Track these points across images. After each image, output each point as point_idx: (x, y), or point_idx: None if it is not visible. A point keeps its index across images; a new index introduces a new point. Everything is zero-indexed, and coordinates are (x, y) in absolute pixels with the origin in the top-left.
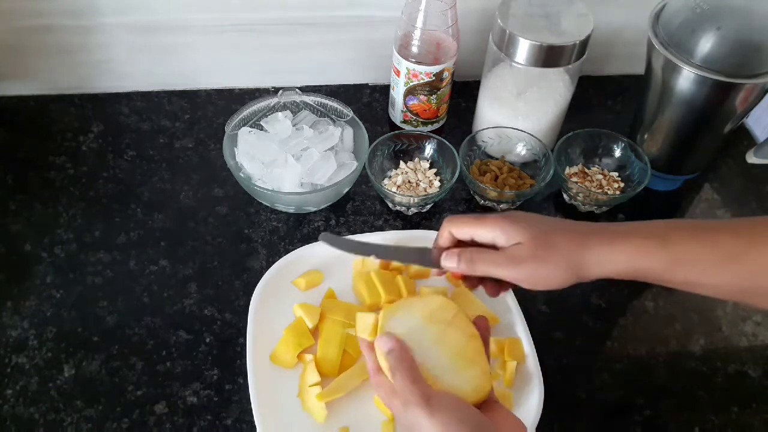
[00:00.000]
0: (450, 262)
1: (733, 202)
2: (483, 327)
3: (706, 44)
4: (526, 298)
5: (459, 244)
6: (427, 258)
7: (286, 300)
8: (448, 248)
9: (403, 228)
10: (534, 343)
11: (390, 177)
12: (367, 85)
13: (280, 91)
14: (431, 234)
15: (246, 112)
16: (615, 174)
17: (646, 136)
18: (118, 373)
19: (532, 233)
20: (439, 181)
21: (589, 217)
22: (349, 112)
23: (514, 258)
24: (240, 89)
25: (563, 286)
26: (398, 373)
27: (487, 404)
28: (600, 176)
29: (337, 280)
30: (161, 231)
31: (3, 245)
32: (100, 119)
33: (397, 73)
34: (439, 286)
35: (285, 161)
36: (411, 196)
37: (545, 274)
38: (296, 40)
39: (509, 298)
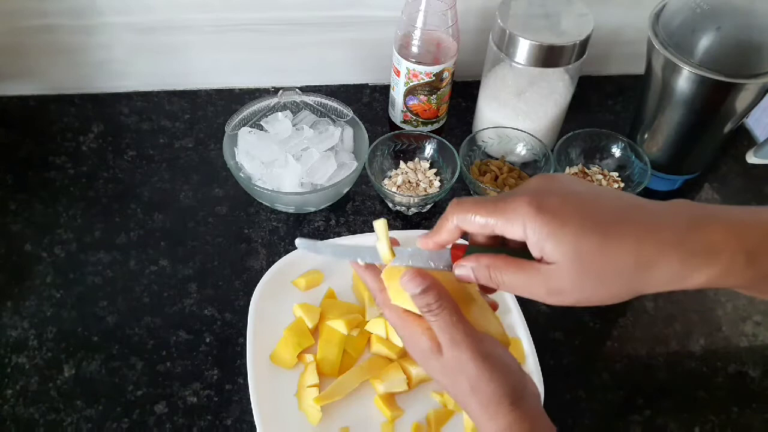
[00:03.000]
0: (463, 271)
1: (733, 202)
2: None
3: (706, 44)
4: (526, 298)
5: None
6: (429, 259)
7: (286, 300)
8: (454, 244)
9: (404, 228)
10: (534, 343)
11: (390, 177)
12: (367, 85)
13: (280, 91)
14: None
15: (246, 112)
16: (615, 174)
17: (646, 136)
18: (118, 373)
19: (576, 251)
20: (439, 181)
21: None
22: (349, 112)
23: (552, 287)
24: (240, 89)
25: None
26: (438, 311)
27: None
28: (600, 176)
29: (337, 280)
30: (161, 231)
31: (3, 245)
32: (100, 119)
33: (397, 73)
34: None
35: (285, 161)
36: (411, 196)
37: (590, 300)
38: (296, 40)
39: (509, 298)
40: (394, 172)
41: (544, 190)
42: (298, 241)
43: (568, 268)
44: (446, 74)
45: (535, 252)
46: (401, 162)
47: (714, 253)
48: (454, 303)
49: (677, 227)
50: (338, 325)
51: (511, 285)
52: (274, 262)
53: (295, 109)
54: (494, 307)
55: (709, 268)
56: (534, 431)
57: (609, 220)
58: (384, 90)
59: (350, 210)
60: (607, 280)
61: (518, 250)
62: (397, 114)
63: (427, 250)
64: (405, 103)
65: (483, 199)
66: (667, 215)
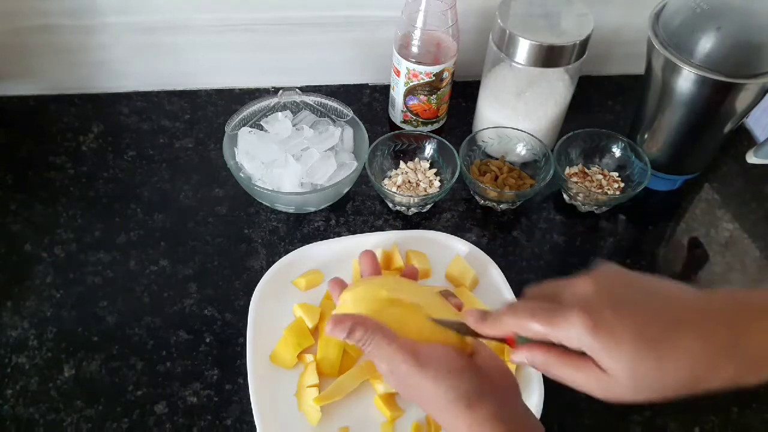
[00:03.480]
0: (519, 359)
1: (733, 202)
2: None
3: (706, 44)
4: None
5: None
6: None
7: (286, 300)
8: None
9: (403, 228)
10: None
11: (390, 177)
12: (367, 85)
13: (280, 91)
14: (431, 234)
15: (246, 112)
16: (615, 174)
17: (646, 136)
18: (118, 373)
19: (632, 369)
20: (439, 181)
21: (589, 216)
22: (349, 112)
23: (608, 390)
24: (240, 89)
25: None
26: (370, 340)
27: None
28: (600, 176)
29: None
30: (161, 231)
31: (3, 245)
32: (100, 119)
33: (397, 73)
34: (438, 285)
35: (285, 161)
36: (411, 196)
37: (645, 401)
38: (296, 40)
39: (509, 298)
40: (394, 172)
41: (595, 301)
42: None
43: (626, 380)
44: (446, 74)
45: (591, 355)
46: (401, 162)
47: (765, 360)
48: (382, 328)
49: (726, 332)
50: None
51: (566, 379)
52: (274, 262)
53: (295, 109)
54: (458, 307)
55: (761, 374)
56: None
57: (662, 336)
58: (384, 90)
59: (350, 210)
60: (662, 389)
61: None
62: (397, 114)
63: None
64: (405, 103)
65: (536, 307)
66: (716, 316)
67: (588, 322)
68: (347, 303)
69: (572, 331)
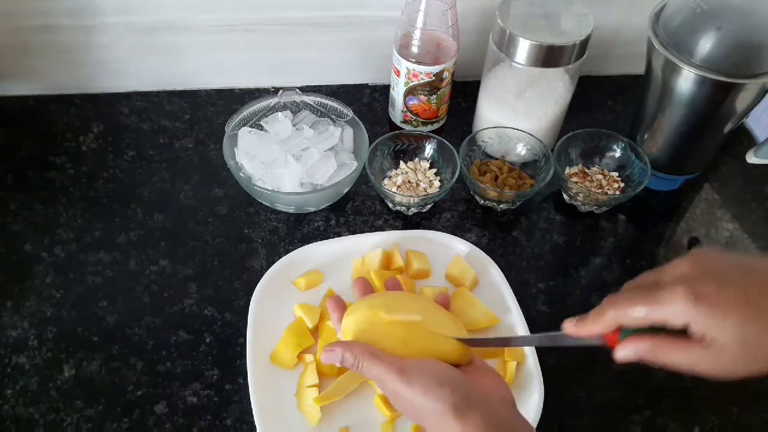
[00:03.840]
0: (626, 353)
1: (733, 202)
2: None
3: (706, 44)
4: (526, 298)
5: None
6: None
7: (286, 300)
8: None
9: (403, 228)
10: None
11: (390, 177)
12: (367, 85)
13: (280, 91)
14: (431, 234)
15: (246, 112)
16: (615, 174)
17: (646, 136)
18: (118, 373)
19: (742, 337)
20: (439, 181)
21: (589, 216)
22: (349, 112)
23: (719, 364)
24: (240, 89)
25: None
26: (362, 363)
27: (467, 365)
28: (600, 176)
29: (337, 280)
30: (161, 231)
31: (3, 245)
32: (100, 119)
33: (397, 73)
34: (438, 285)
35: (285, 161)
36: (411, 196)
37: (756, 372)
38: (296, 40)
39: (509, 298)
40: (394, 172)
41: (694, 276)
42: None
43: (735, 351)
44: (446, 74)
45: (696, 335)
46: (401, 162)
47: None
48: (370, 349)
49: None
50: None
51: (676, 363)
52: (274, 262)
53: (295, 109)
54: (446, 307)
55: None
56: None
57: (766, 301)
58: (384, 90)
59: (350, 210)
60: None
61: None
62: (397, 114)
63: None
64: (405, 103)
65: (636, 291)
66: None
67: (691, 294)
68: (348, 331)
69: (676, 306)
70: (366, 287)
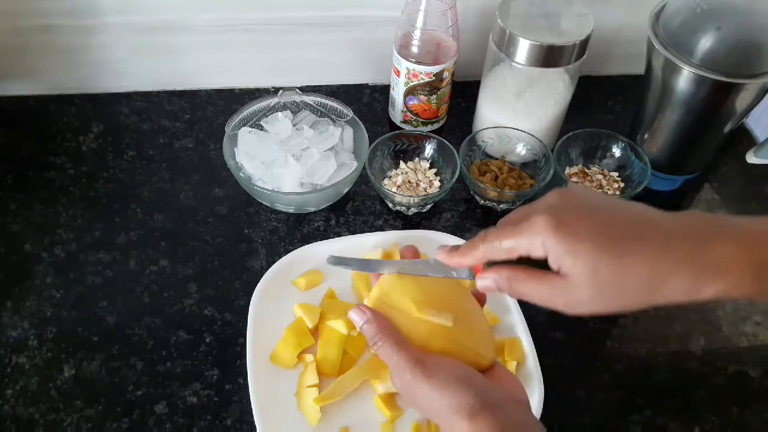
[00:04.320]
0: (486, 283)
1: (733, 202)
2: (479, 296)
3: (706, 44)
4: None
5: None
6: (461, 272)
7: (286, 300)
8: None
9: (403, 228)
10: (534, 343)
11: (390, 177)
12: (367, 85)
13: (280, 91)
14: (431, 234)
15: (246, 112)
16: (615, 174)
17: (646, 136)
18: (118, 373)
19: (593, 267)
20: (439, 181)
21: None
22: (349, 112)
23: (570, 299)
24: (240, 89)
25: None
26: (383, 344)
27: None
28: (600, 176)
29: (337, 280)
30: (161, 231)
31: (3, 245)
32: (100, 119)
33: (397, 73)
34: None
35: (285, 161)
36: (411, 196)
37: (605, 311)
38: (296, 40)
39: (509, 298)
40: (394, 172)
41: (560, 206)
42: (329, 259)
43: (585, 282)
44: (446, 74)
45: (554, 266)
46: (401, 162)
47: (723, 269)
48: (395, 333)
49: (688, 243)
50: (338, 325)
51: (531, 295)
52: (274, 262)
53: (295, 109)
54: (482, 302)
55: (718, 284)
56: None
57: (624, 235)
58: (384, 90)
59: (350, 210)
60: (621, 293)
61: (534, 261)
62: (397, 114)
63: (439, 264)
64: (405, 103)
65: (504, 223)
66: (679, 230)
67: (550, 221)
68: (374, 303)
69: (537, 236)
70: (415, 254)
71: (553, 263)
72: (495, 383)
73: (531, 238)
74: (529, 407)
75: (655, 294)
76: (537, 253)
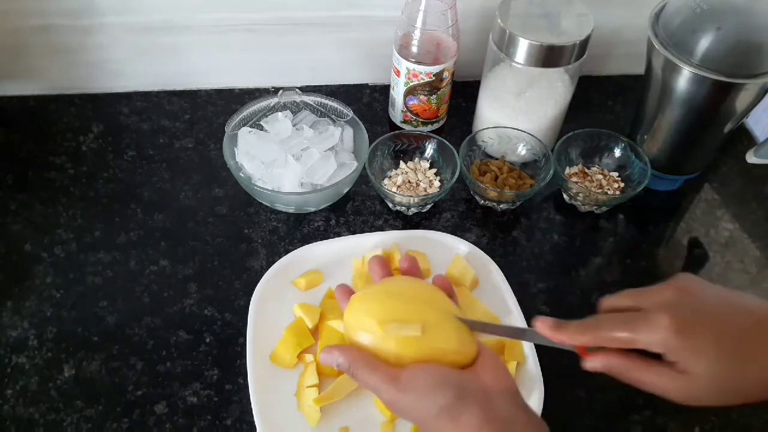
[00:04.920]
0: (598, 368)
1: (733, 202)
2: (444, 285)
3: (706, 44)
4: (526, 298)
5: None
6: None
7: (286, 300)
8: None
9: (403, 228)
10: (534, 344)
11: (390, 177)
12: (367, 85)
13: (280, 91)
14: (431, 234)
15: (246, 112)
16: (615, 174)
17: (646, 136)
18: (118, 373)
19: (715, 366)
20: (439, 181)
21: (589, 216)
22: (349, 112)
23: (690, 393)
24: (240, 89)
25: None
26: (357, 372)
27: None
28: (600, 176)
29: (337, 280)
30: (161, 231)
31: (3, 245)
32: (100, 119)
33: (397, 73)
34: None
35: (285, 161)
36: (411, 196)
37: (726, 403)
38: (296, 40)
39: (509, 298)
40: (394, 172)
41: (680, 306)
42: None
43: (707, 382)
44: (446, 74)
45: (671, 360)
46: (401, 162)
47: None
48: (366, 358)
49: None
50: (338, 325)
51: (644, 384)
52: (274, 262)
53: (295, 109)
54: (448, 290)
55: None
56: None
57: (746, 341)
58: (384, 90)
59: (350, 210)
60: (742, 394)
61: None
62: (397, 114)
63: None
64: (405, 103)
65: (618, 318)
66: None
67: (674, 324)
68: (348, 328)
69: (657, 335)
70: (382, 270)
71: (672, 358)
72: (478, 375)
73: (651, 335)
74: (516, 393)
75: None
76: (654, 349)
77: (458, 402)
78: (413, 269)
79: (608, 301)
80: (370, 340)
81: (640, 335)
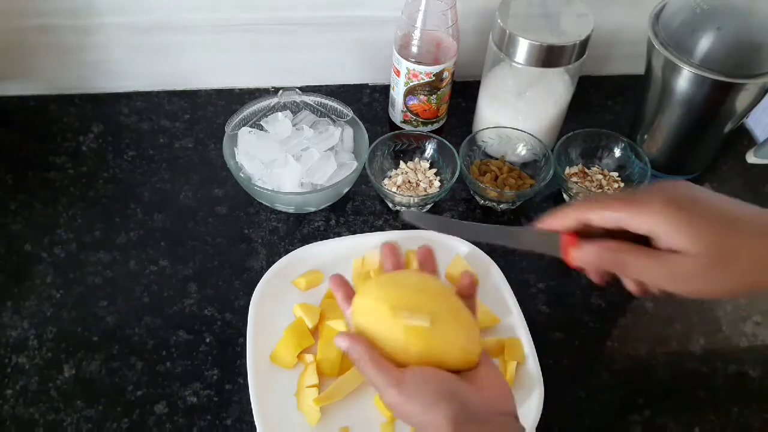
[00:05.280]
0: (588, 257)
1: None
2: (467, 284)
3: (706, 44)
4: (526, 298)
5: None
6: (550, 244)
7: (286, 300)
8: (576, 233)
9: (404, 228)
10: (534, 343)
11: (390, 177)
12: (367, 85)
13: (280, 91)
14: (431, 234)
15: (246, 112)
16: (615, 174)
17: (646, 136)
18: (118, 373)
19: (707, 244)
20: (439, 181)
21: None
22: (349, 112)
23: (679, 274)
24: (240, 89)
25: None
26: (363, 366)
27: (473, 369)
28: (600, 176)
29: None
30: (161, 231)
31: (3, 245)
32: (100, 119)
33: (397, 73)
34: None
35: (285, 161)
36: (411, 196)
37: (712, 291)
38: (296, 40)
39: (509, 298)
40: (394, 172)
41: (673, 190)
42: (403, 213)
43: (697, 258)
44: (446, 74)
45: (662, 242)
46: (401, 162)
47: None
48: (375, 356)
49: None
50: (338, 325)
51: (635, 269)
52: (274, 262)
53: (295, 109)
54: (471, 303)
55: None
56: None
57: (737, 223)
58: (384, 90)
59: (350, 210)
60: (732, 284)
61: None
62: (397, 114)
63: (536, 234)
64: (405, 103)
65: (612, 197)
66: None
67: (667, 201)
68: (356, 314)
69: (650, 211)
70: (393, 258)
71: (662, 239)
72: (481, 391)
73: (646, 214)
74: (517, 419)
75: (764, 283)
76: (642, 228)
77: (462, 412)
78: (428, 261)
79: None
80: (379, 326)
81: (632, 212)
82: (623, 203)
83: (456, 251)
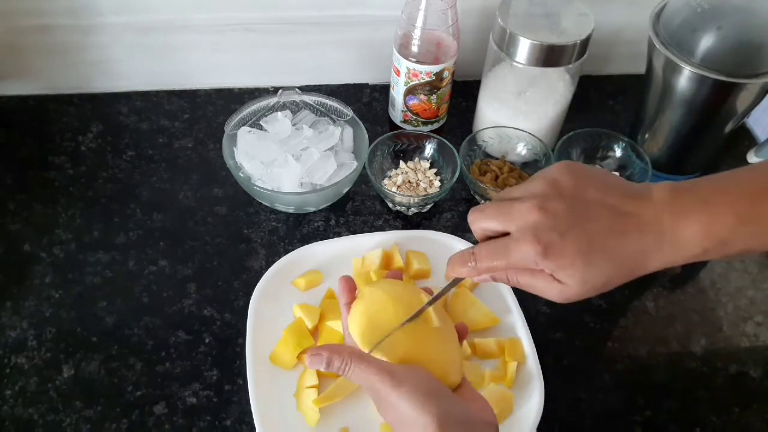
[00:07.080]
0: (483, 278)
1: None
2: (460, 330)
3: (706, 44)
4: (526, 298)
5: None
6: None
7: (286, 300)
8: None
9: (404, 228)
10: (534, 343)
11: (390, 177)
12: (367, 84)
13: (280, 91)
14: (431, 234)
15: (246, 111)
16: (616, 174)
17: (646, 135)
18: (118, 373)
19: (584, 274)
20: (439, 181)
21: None
22: (349, 112)
23: (561, 293)
24: (240, 89)
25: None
26: (350, 368)
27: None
28: None
29: (337, 281)
30: (161, 231)
31: (3, 245)
32: (100, 119)
33: (397, 72)
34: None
35: (285, 161)
36: (411, 196)
37: (593, 290)
38: (296, 40)
39: (509, 298)
40: (394, 172)
41: (544, 222)
42: None
43: (578, 287)
44: (446, 74)
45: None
46: (401, 162)
47: (690, 246)
48: (357, 353)
49: (659, 231)
50: (338, 326)
51: (535, 289)
52: (273, 262)
53: (295, 108)
54: (463, 334)
55: (687, 253)
56: None
57: (606, 247)
58: (384, 90)
59: (350, 210)
60: (608, 287)
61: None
62: (397, 114)
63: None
64: (405, 103)
65: (491, 246)
66: (651, 220)
67: (540, 250)
68: (356, 315)
69: (528, 260)
70: (351, 297)
71: (548, 272)
72: (465, 401)
73: (522, 261)
74: (497, 427)
75: (634, 275)
76: (532, 267)
77: (449, 417)
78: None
79: (477, 222)
80: (380, 329)
81: (513, 262)
82: (501, 257)
83: (456, 251)
